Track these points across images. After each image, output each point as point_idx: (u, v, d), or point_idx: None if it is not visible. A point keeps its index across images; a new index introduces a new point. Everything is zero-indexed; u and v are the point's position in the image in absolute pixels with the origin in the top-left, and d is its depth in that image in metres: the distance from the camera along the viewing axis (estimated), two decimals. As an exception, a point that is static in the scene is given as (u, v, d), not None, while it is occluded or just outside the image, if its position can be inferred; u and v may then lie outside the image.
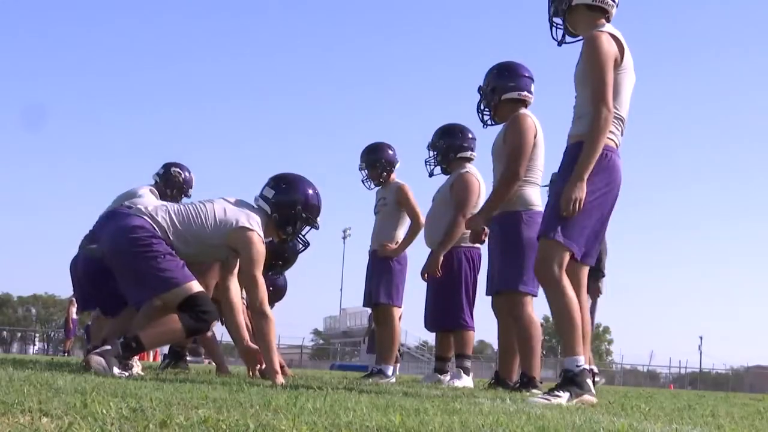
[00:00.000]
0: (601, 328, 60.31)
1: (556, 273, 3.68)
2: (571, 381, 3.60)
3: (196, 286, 4.37)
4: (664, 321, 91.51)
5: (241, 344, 4.86)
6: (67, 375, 3.61)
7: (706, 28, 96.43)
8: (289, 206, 4.63)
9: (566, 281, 3.69)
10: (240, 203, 4.60)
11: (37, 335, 55.09)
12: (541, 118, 5.40)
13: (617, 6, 3.94)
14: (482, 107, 5.49)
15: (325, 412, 2.35)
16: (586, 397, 3.58)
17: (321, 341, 63.33)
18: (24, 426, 1.78)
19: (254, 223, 4.46)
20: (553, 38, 4.02)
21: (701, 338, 55.68)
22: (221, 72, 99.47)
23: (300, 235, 4.78)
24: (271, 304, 6.91)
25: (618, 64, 3.78)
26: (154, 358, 18.80)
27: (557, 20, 4.01)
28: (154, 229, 4.33)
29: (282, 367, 4.88)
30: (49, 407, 2.09)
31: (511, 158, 5.16)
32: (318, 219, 4.74)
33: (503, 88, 5.42)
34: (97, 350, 4.22)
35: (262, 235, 4.49)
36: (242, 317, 4.87)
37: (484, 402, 3.39)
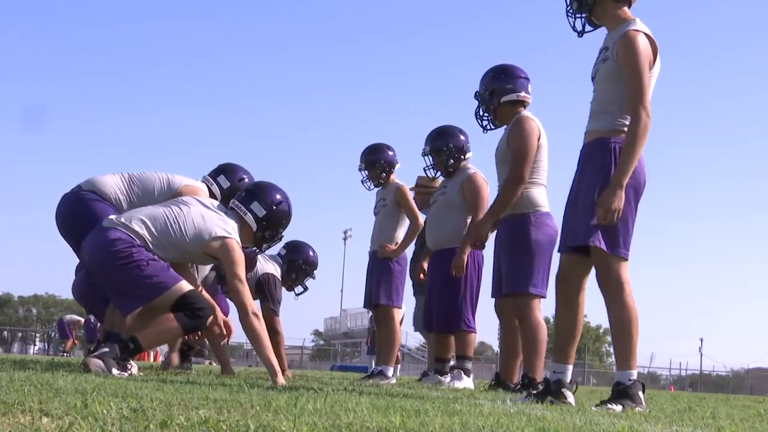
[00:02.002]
0: (601, 330, 60.19)
1: (620, 287, 3.62)
2: (623, 394, 3.58)
3: (185, 286, 4.39)
4: (665, 323, 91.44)
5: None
6: (67, 375, 3.61)
7: (715, 26, 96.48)
8: (277, 226, 4.72)
9: (630, 294, 3.64)
10: (216, 207, 4.61)
11: (38, 335, 55.04)
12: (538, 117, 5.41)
13: None
14: (481, 113, 5.48)
15: (325, 413, 2.35)
16: (638, 409, 3.54)
17: (321, 342, 63.29)
18: (25, 426, 1.78)
19: (231, 230, 4.48)
20: (573, 29, 3.91)
21: (702, 340, 55.63)
22: (221, 72, 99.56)
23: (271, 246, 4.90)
24: (310, 276, 6.94)
25: (651, 66, 3.69)
26: (155, 359, 18.81)
27: (580, 13, 3.89)
28: (132, 238, 4.33)
29: (283, 371, 4.88)
30: (49, 407, 2.09)
31: (515, 162, 5.15)
32: (284, 229, 4.84)
33: (502, 91, 5.41)
34: (96, 353, 4.23)
35: (238, 240, 4.52)
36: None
37: (484, 403, 3.39)
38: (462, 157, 6.15)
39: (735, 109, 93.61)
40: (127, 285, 4.31)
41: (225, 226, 4.47)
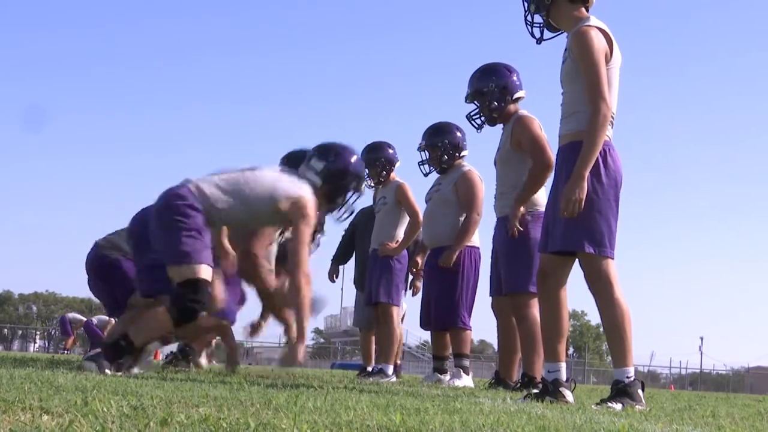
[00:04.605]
0: (601, 329, 60.03)
1: (610, 285, 3.62)
2: (623, 392, 3.58)
3: (203, 272, 4.22)
4: (665, 321, 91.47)
5: (264, 288, 4.74)
6: (67, 373, 3.61)
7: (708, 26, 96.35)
8: (340, 177, 4.62)
9: (620, 292, 3.64)
10: (288, 172, 4.56)
11: (38, 333, 55.00)
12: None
13: None
14: (485, 110, 5.45)
15: (325, 411, 2.35)
16: (638, 408, 3.54)
17: (322, 340, 63.26)
18: (25, 424, 1.78)
19: (307, 192, 4.43)
20: (533, 36, 3.92)
21: (702, 339, 55.58)
22: (221, 72, 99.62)
23: (347, 204, 4.77)
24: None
25: (608, 59, 3.70)
26: (155, 357, 18.78)
27: (537, 17, 3.90)
28: (195, 199, 4.25)
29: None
30: (49, 405, 2.09)
31: (537, 151, 5.17)
32: (363, 184, 4.74)
33: (514, 88, 5.42)
34: (89, 355, 4.22)
35: (314, 201, 4.46)
36: (272, 276, 4.79)
37: (484, 401, 3.39)
38: (457, 154, 6.14)
39: (738, 106, 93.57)
40: (163, 239, 4.23)
41: (300, 187, 4.42)
